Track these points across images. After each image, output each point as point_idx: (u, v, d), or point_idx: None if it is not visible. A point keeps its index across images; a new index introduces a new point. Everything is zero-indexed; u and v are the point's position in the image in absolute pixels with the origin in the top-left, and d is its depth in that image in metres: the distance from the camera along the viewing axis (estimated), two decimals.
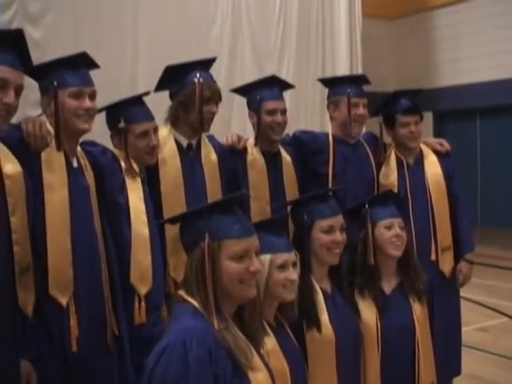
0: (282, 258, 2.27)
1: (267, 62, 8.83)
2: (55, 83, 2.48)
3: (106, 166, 2.77)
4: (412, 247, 3.23)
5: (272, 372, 1.97)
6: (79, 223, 2.51)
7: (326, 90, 3.87)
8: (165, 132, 3.21)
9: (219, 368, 1.75)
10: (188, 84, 3.14)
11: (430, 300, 3.05)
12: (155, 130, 3.03)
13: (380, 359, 2.75)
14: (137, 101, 3.05)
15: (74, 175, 2.55)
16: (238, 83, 3.97)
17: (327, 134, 3.76)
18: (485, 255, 7.98)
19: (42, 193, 2.43)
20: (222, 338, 1.82)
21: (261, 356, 1.95)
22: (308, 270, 2.60)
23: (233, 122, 7.80)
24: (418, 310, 2.87)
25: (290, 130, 3.63)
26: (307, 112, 9.06)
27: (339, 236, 2.67)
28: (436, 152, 3.83)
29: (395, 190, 3.54)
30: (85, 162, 2.65)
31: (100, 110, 2.89)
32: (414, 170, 3.75)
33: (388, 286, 2.91)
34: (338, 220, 2.69)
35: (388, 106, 3.79)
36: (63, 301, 2.44)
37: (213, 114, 3.22)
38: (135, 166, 2.91)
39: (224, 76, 7.66)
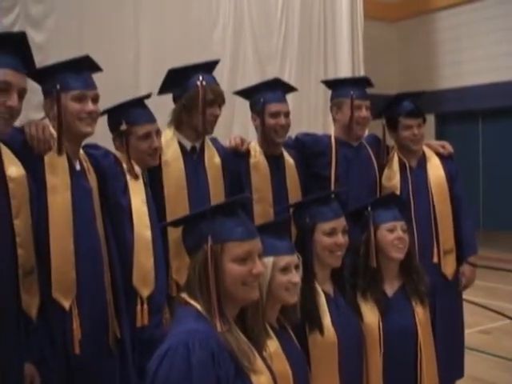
0: (284, 260, 2.27)
1: (269, 64, 8.84)
2: (58, 86, 2.49)
3: (109, 168, 2.78)
4: (414, 250, 3.23)
5: (274, 375, 1.96)
6: (82, 226, 2.52)
7: (328, 93, 3.87)
8: (169, 135, 3.22)
9: (222, 370, 1.75)
10: (191, 87, 3.15)
11: (432, 303, 3.04)
12: (157, 131, 3.04)
13: (382, 362, 2.75)
14: (138, 103, 3.06)
15: (77, 178, 2.56)
16: (240, 86, 3.98)
17: (330, 137, 3.76)
18: (487, 257, 7.97)
19: (45, 196, 2.44)
20: (225, 340, 1.81)
21: (263, 359, 1.95)
22: (310, 273, 2.60)
23: (235, 124, 7.80)
24: (421, 313, 2.87)
25: (291, 132, 3.63)
26: (309, 114, 9.06)
27: (341, 238, 2.66)
28: (439, 154, 3.82)
29: (398, 193, 3.54)
30: (87, 165, 2.65)
31: (102, 113, 2.90)
32: (416, 172, 3.74)
33: (390, 288, 2.91)
34: (340, 222, 2.69)
35: (391, 109, 3.79)
36: (66, 304, 2.44)
37: (216, 117, 3.22)
38: (137, 168, 2.91)
39: (226, 78, 7.67)
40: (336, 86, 3.84)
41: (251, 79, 7.26)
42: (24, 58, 2.33)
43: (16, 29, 6.60)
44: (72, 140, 2.56)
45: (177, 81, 3.20)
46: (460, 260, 3.75)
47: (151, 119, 3.04)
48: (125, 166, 2.87)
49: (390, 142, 3.87)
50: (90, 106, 2.55)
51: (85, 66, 2.62)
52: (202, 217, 1.92)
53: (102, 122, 2.93)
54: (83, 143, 2.69)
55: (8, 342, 2.22)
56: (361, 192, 3.56)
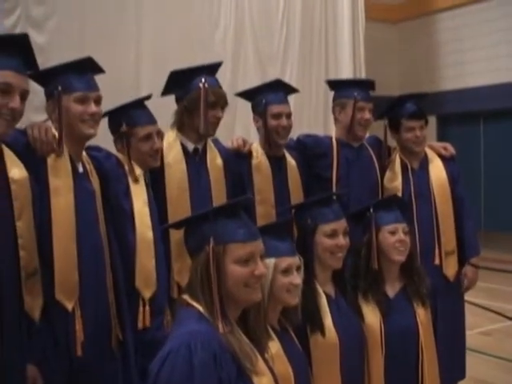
0: (286, 262, 2.27)
1: (270, 65, 8.82)
2: (59, 88, 2.49)
3: (111, 171, 2.78)
4: (416, 251, 3.23)
5: (276, 376, 1.97)
6: (85, 228, 2.52)
7: (330, 95, 3.87)
8: (171, 137, 3.22)
9: (224, 372, 1.75)
10: (193, 89, 3.15)
11: (433, 304, 3.05)
12: (158, 132, 3.04)
13: (384, 363, 2.75)
14: (138, 104, 3.06)
15: (80, 180, 2.56)
16: (241, 87, 3.99)
17: (331, 138, 3.76)
18: (488, 259, 7.95)
19: (47, 198, 2.44)
20: (227, 341, 1.81)
21: (265, 360, 1.95)
22: (312, 274, 2.60)
23: (236, 125, 7.80)
24: (422, 315, 2.87)
25: (292, 133, 3.64)
26: (310, 116, 9.04)
27: (342, 240, 2.66)
28: (441, 156, 3.82)
29: (400, 194, 3.54)
30: (90, 167, 2.66)
31: (103, 115, 2.90)
32: (418, 174, 3.74)
33: (392, 290, 2.91)
34: (342, 224, 2.69)
35: (393, 110, 3.78)
36: (69, 306, 2.44)
37: (218, 119, 3.22)
38: (138, 170, 2.91)
39: (227, 80, 7.66)
40: (340, 86, 3.85)
41: (252, 80, 7.27)
42: (27, 60, 2.33)
43: (17, 30, 6.60)
44: (74, 142, 2.57)
45: (179, 82, 3.21)
46: (461, 261, 3.75)
47: (152, 120, 3.04)
48: (126, 167, 2.87)
49: (392, 143, 3.87)
50: (92, 107, 2.55)
51: (87, 68, 2.62)
52: (204, 218, 1.92)
53: (103, 124, 2.94)
54: (86, 145, 2.70)
55: (10, 343, 2.22)
56: (362, 193, 3.56)
